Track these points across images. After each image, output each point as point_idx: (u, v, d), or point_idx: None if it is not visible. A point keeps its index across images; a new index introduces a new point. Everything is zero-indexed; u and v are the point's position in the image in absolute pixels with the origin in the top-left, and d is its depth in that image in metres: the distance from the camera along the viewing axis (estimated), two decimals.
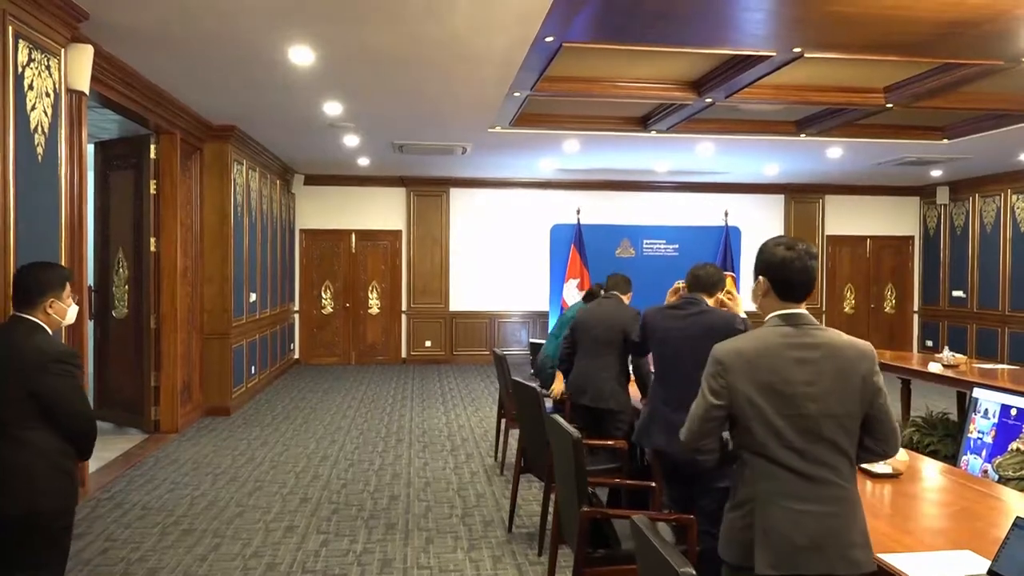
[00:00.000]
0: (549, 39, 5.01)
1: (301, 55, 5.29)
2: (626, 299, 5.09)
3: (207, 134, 7.78)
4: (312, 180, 11.74)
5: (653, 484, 3.60)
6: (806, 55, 5.40)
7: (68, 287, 2.93)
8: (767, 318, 2.28)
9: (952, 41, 5.11)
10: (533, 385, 4.47)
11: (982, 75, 6.04)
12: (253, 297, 9.08)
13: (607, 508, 3.35)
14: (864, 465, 2.76)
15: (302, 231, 12.09)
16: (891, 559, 2.35)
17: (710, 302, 3.64)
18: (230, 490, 5.50)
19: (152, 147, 6.93)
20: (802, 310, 2.26)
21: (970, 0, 4.35)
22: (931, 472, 3.52)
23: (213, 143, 7.91)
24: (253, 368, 9.09)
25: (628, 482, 3.64)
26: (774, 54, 5.41)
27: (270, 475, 5.89)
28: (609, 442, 4.36)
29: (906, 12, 4.55)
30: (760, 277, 2.30)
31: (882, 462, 3.01)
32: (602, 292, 5.26)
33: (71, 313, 2.95)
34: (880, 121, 7.98)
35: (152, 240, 6.98)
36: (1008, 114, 7.36)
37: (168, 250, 7.06)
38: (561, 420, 3.37)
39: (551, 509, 4.05)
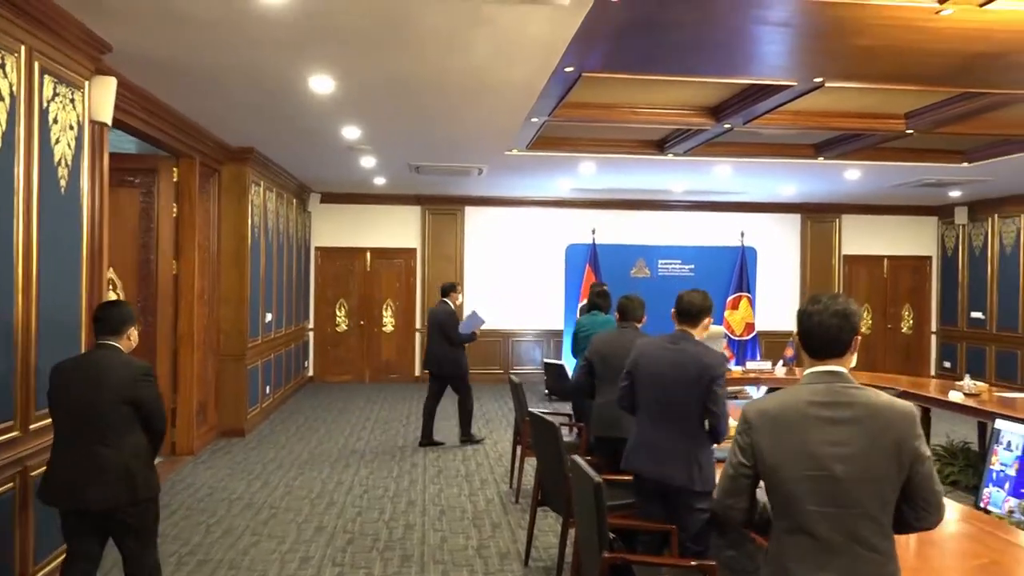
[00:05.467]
0: (569, 69, 5.01)
1: (322, 84, 5.31)
2: (639, 325, 5.02)
3: (225, 156, 7.83)
4: (328, 198, 11.77)
5: (673, 527, 3.57)
6: (827, 84, 5.38)
7: None
8: (803, 375, 2.24)
9: (976, 71, 5.06)
10: (552, 420, 4.43)
11: (1005, 103, 5.99)
12: (269, 317, 9.10)
13: (627, 552, 3.31)
14: None
15: (317, 249, 12.12)
16: None
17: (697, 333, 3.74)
18: (245, 517, 5.49)
19: (174, 171, 6.95)
20: (837, 368, 2.17)
21: (997, 33, 4.31)
22: (955, 515, 3.46)
23: (231, 165, 7.95)
24: (268, 388, 9.11)
25: (649, 525, 3.61)
26: (795, 84, 5.39)
27: (285, 501, 5.88)
28: (629, 477, 4.30)
29: (929, 44, 4.51)
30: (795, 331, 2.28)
31: None
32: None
33: None
34: (900, 145, 7.93)
35: (173, 263, 6.99)
36: None
37: (186, 272, 7.09)
38: (583, 462, 3.34)
39: (569, 545, 4.02)
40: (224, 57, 4.79)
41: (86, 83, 4.34)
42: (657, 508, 3.63)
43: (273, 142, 7.78)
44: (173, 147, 6.65)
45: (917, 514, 2.11)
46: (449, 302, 7.90)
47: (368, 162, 8.75)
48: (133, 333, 3.50)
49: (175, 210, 7.00)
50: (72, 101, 4.18)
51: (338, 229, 12.11)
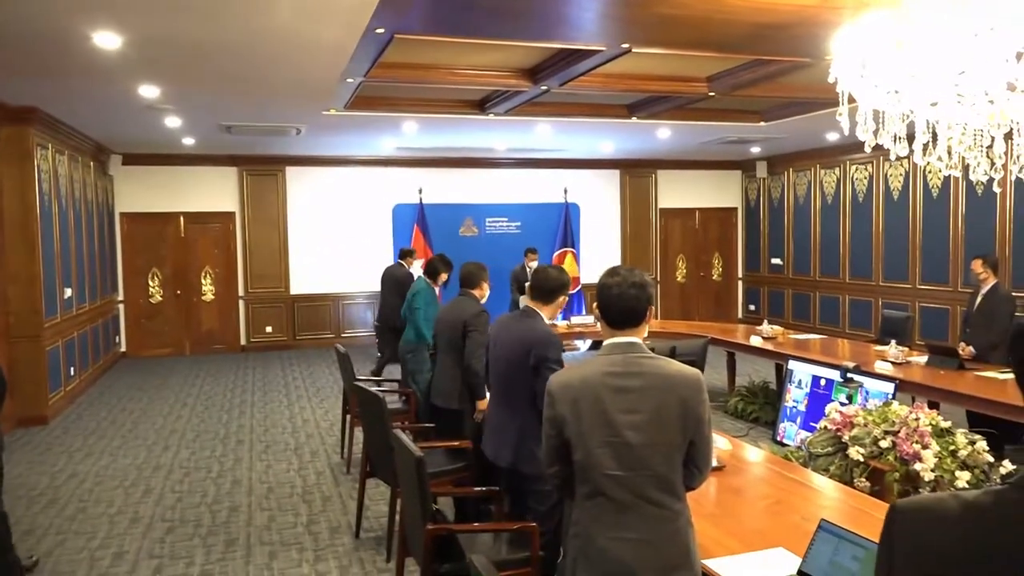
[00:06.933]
0: (380, 31, 4.86)
1: (107, 40, 4.85)
2: (479, 292, 4.75)
3: (2, 117, 7.00)
4: (131, 160, 10.87)
5: (497, 488, 3.66)
6: (634, 50, 5.57)
7: None
8: (602, 346, 2.34)
9: (765, 41, 5.41)
10: (376, 392, 4.39)
11: (792, 69, 6.48)
12: (68, 292, 8.35)
13: (452, 523, 3.37)
14: None
15: (123, 215, 11.22)
16: (712, 564, 2.50)
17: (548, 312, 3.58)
18: (48, 515, 5.07)
19: None
20: (632, 339, 2.28)
21: (780, 7, 4.61)
22: (752, 458, 3.78)
23: (10, 127, 7.13)
24: (72, 369, 8.40)
25: (474, 489, 3.68)
26: (604, 48, 5.54)
27: (95, 493, 5.48)
28: (454, 443, 4.37)
29: (723, 15, 4.76)
30: (595, 303, 2.36)
31: None
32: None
33: None
34: (704, 106, 8.39)
35: None
36: (815, 101, 7.93)
37: None
38: (405, 438, 3.33)
39: (399, 514, 4.03)
40: None
41: None
42: (502, 484, 3.65)
43: (60, 101, 7.03)
44: None
45: (697, 466, 2.26)
46: (404, 264, 8.88)
47: (173, 122, 8.15)
48: None
49: None
50: None
51: (146, 193, 11.25)
